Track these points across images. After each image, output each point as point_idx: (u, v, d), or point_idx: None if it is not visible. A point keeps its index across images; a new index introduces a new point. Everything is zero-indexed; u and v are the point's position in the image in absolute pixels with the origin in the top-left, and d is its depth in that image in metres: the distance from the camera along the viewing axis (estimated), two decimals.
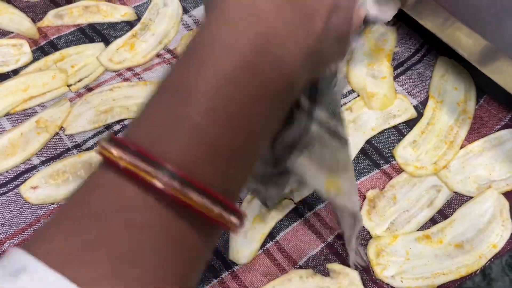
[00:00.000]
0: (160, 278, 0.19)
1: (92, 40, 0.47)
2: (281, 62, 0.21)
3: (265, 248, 0.36)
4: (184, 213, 0.19)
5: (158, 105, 0.20)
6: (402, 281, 0.35)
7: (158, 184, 0.18)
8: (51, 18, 0.47)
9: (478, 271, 0.36)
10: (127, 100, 0.42)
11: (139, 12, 0.49)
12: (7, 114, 0.42)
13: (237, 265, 0.36)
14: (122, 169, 0.18)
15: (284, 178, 0.32)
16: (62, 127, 0.41)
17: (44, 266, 0.17)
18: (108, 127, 0.41)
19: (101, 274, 0.17)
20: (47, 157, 0.40)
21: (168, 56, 0.46)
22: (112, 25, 0.48)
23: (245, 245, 0.36)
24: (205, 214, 0.19)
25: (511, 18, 0.37)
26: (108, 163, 0.19)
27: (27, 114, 0.42)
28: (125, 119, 0.41)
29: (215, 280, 0.35)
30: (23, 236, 0.36)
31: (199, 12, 0.48)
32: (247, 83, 0.20)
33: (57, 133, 0.41)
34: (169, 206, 0.18)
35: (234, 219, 0.19)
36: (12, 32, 0.46)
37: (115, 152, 0.18)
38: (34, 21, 0.47)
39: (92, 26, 0.48)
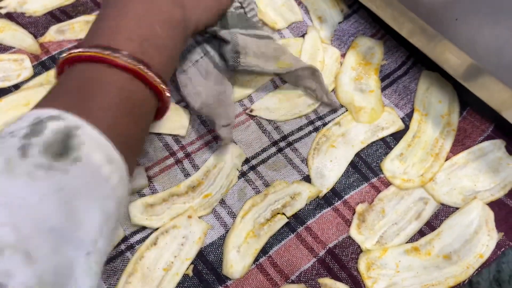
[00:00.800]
0: (123, 110, 0.24)
1: None
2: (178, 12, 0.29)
3: (258, 263, 0.31)
4: (136, 81, 0.25)
5: (104, 19, 0.27)
6: None
7: (121, 62, 0.24)
8: (53, 34, 0.42)
9: (466, 281, 0.32)
10: None
11: None
12: None
13: (230, 279, 0.31)
14: (96, 58, 0.24)
15: (227, 97, 0.36)
16: None
17: (35, 109, 0.23)
18: None
19: (84, 104, 0.23)
20: None
21: None
22: None
23: (238, 260, 0.31)
24: (148, 80, 0.25)
25: (498, 38, 0.32)
26: (78, 60, 0.25)
27: None
28: None
29: None
30: None
31: None
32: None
33: None
34: (128, 76, 0.25)
35: (163, 86, 0.26)
36: (14, 47, 0.40)
37: (86, 50, 0.24)
38: (36, 36, 0.41)
39: None
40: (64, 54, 0.25)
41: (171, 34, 0.28)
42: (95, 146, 0.21)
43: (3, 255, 0.17)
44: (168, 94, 0.27)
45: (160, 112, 0.28)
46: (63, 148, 0.20)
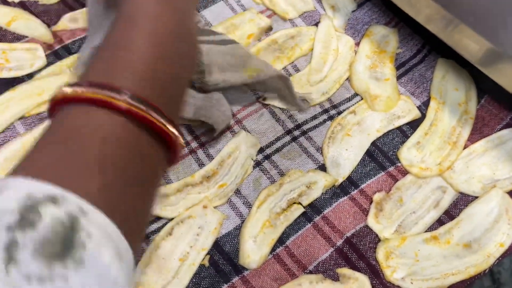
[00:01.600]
0: (127, 180, 0.19)
1: None
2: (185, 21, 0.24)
3: (275, 253, 0.31)
4: (142, 128, 0.20)
5: (104, 54, 0.22)
6: (412, 283, 0.30)
7: (123, 105, 0.19)
8: (66, 22, 0.41)
9: (487, 271, 0.31)
10: None
11: None
12: (21, 118, 0.36)
13: (247, 270, 0.30)
14: (91, 100, 0.19)
15: (219, 100, 0.35)
16: None
17: (23, 178, 0.17)
18: None
19: (80, 176, 0.18)
20: None
21: None
22: None
23: (255, 250, 0.31)
24: (156, 125, 0.20)
25: None
26: (71, 101, 0.20)
27: (41, 118, 0.36)
28: None
29: (226, 285, 0.30)
30: None
31: (209, 12, 0.42)
32: (171, 42, 0.23)
33: None
34: (131, 123, 0.20)
35: (176, 132, 0.21)
36: (27, 36, 0.40)
37: (79, 89, 0.19)
38: (49, 25, 0.40)
39: None
40: (56, 93, 0.20)
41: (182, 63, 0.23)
42: (104, 239, 0.16)
43: None
44: (182, 143, 0.22)
45: (170, 161, 0.22)
46: (63, 245, 0.15)
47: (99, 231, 0.16)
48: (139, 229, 0.21)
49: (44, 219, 0.15)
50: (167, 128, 0.20)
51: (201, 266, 0.30)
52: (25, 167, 0.18)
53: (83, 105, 0.19)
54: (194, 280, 0.30)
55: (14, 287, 0.14)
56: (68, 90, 0.19)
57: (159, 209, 0.32)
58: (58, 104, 0.20)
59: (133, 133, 0.20)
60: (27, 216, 0.15)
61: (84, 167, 0.18)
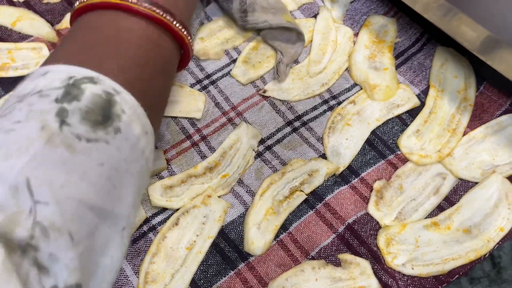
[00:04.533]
0: (153, 82, 0.22)
1: None
2: None
3: (278, 239, 0.32)
4: (159, 29, 0.23)
5: None
6: (413, 268, 0.31)
7: (142, 9, 0.22)
8: (69, 20, 0.42)
9: (487, 255, 0.31)
10: None
11: None
12: None
13: (252, 256, 0.31)
14: (113, 5, 0.21)
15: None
16: None
17: (63, 64, 0.19)
18: None
19: (110, 61, 0.21)
20: None
21: None
22: None
23: (259, 236, 0.31)
24: (173, 30, 0.23)
25: None
26: (94, 8, 0.22)
27: None
28: None
29: (232, 272, 0.30)
30: None
31: (208, 6, 0.42)
32: None
33: None
34: (149, 24, 0.23)
35: (187, 33, 0.24)
36: (32, 36, 0.41)
37: None
38: (52, 24, 0.41)
39: None
40: (77, 3, 0.22)
41: None
42: (134, 116, 0.19)
43: (48, 238, 0.16)
44: (192, 46, 0.25)
45: (182, 62, 0.26)
46: (103, 116, 0.18)
47: (130, 109, 0.19)
48: (160, 108, 0.24)
49: (86, 93, 0.18)
50: (178, 29, 0.23)
51: (208, 254, 0.31)
52: (59, 56, 0.21)
53: (106, 11, 0.22)
54: (201, 267, 0.31)
55: (68, 143, 0.17)
56: None
57: (164, 201, 0.32)
58: (81, 12, 0.22)
59: (153, 32, 0.22)
60: (71, 91, 0.18)
61: (110, 55, 0.20)
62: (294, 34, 0.38)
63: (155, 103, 0.23)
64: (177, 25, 0.23)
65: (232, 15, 0.36)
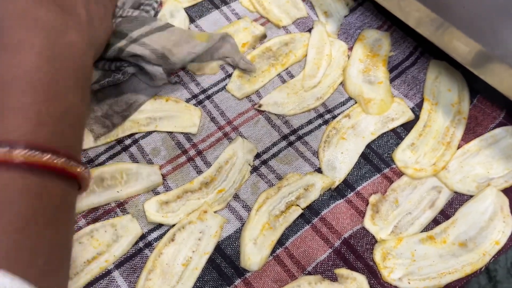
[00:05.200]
0: (31, 220, 0.19)
1: None
2: (71, 47, 0.24)
3: (275, 255, 0.31)
4: (41, 174, 0.20)
5: None
6: (409, 283, 0.31)
7: (16, 158, 0.19)
8: None
9: (483, 269, 0.31)
10: (138, 114, 0.37)
11: None
12: None
13: (249, 272, 0.31)
14: None
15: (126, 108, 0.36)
16: None
17: None
18: (119, 141, 0.36)
19: None
20: None
21: None
22: None
23: (255, 252, 0.31)
24: (59, 167, 0.20)
25: (506, 24, 0.32)
26: None
27: None
28: (136, 133, 0.37)
29: None
30: None
31: (205, 21, 0.42)
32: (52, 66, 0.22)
33: None
34: (29, 173, 0.19)
35: (80, 169, 0.21)
36: None
37: None
38: None
39: None
40: None
41: (72, 83, 0.23)
42: None
43: None
44: (87, 172, 0.22)
45: (82, 187, 0.23)
46: None
47: None
48: (59, 257, 0.21)
49: None
50: (64, 165, 0.20)
51: (204, 270, 0.31)
52: None
53: None
54: (197, 284, 0.30)
55: None
56: None
57: (160, 217, 0.32)
58: None
59: (30, 180, 0.19)
60: None
61: None
62: (217, 39, 0.38)
63: (50, 259, 0.19)
64: (62, 161, 0.20)
65: (149, 69, 0.35)
